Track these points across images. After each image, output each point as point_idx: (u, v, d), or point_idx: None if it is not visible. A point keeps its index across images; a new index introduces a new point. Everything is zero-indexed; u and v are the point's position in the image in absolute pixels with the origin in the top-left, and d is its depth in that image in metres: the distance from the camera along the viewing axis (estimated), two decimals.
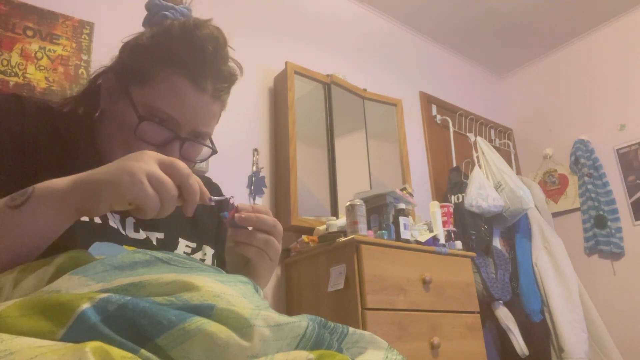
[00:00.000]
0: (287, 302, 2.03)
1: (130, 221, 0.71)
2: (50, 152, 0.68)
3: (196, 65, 0.70)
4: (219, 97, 0.74)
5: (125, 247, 0.64)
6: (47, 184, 0.54)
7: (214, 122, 0.76)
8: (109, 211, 0.53)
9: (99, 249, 0.60)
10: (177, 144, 0.71)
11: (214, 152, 0.79)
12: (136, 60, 0.72)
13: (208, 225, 0.83)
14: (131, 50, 0.73)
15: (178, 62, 0.69)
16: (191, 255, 0.76)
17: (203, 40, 0.70)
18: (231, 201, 0.65)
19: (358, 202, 1.84)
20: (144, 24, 0.77)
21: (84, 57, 1.80)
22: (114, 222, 0.67)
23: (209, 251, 0.79)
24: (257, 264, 0.70)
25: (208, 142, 0.78)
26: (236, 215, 0.63)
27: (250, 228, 0.65)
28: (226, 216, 0.64)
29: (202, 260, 0.77)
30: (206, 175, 0.91)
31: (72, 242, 0.59)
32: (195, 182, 0.57)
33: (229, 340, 0.36)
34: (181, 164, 0.55)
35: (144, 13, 0.79)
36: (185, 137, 0.71)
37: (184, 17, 0.75)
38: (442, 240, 2.11)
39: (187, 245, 0.76)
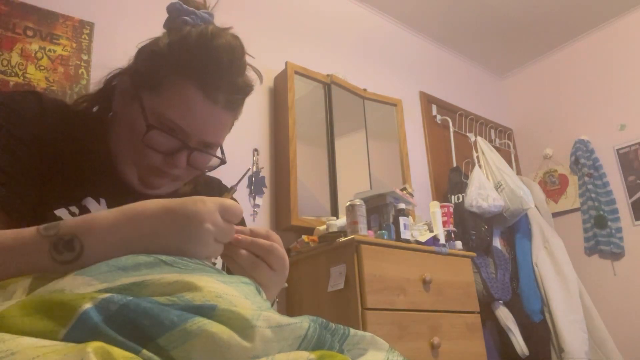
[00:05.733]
0: (287, 302, 2.03)
1: None
2: (66, 150, 0.69)
3: (209, 76, 0.69)
4: (232, 109, 0.73)
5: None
6: (95, 233, 0.50)
7: (224, 133, 0.76)
8: None
9: None
10: (184, 153, 0.71)
11: (223, 162, 0.78)
12: (150, 66, 0.71)
13: None
14: (146, 56, 0.72)
15: (191, 72, 0.68)
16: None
17: (218, 50, 0.69)
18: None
19: (358, 202, 1.84)
20: (164, 27, 0.75)
21: (84, 57, 1.80)
22: None
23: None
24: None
25: (218, 152, 0.77)
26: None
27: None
28: None
29: (214, 263, 0.77)
30: (208, 175, 0.91)
31: None
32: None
33: (230, 341, 0.36)
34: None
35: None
36: (194, 147, 0.71)
37: (204, 22, 0.74)
38: (442, 240, 2.11)
39: None
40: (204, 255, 0.53)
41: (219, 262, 0.78)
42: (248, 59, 0.75)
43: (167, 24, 0.75)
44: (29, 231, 0.51)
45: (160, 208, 0.52)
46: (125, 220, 0.52)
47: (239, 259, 0.62)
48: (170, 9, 0.74)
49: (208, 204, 0.53)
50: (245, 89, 0.75)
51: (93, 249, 0.50)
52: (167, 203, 0.53)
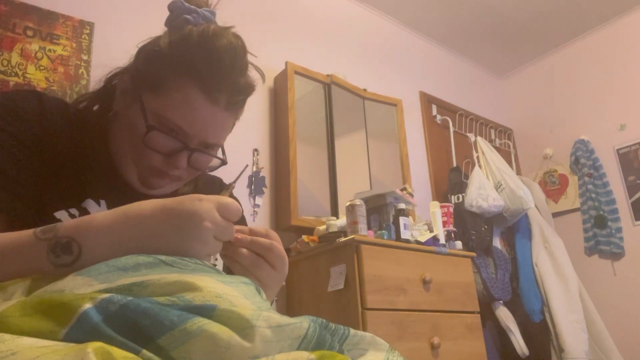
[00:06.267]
0: (287, 302, 2.03)
1: None
2: (66, 150, 0.68)
3: (211, 77, 0.68)
4: (233, 110, 0.73)
5: None
6: (93, 235, 0.50)
7: (225, 134, 0.75)
8: None
9: None
10: (185, 154, 0.70)
11: (224, 163, 0.77)
12: (151, 66, 0.70)
13: None
14: (147, 55, 0.72)
15: (192, 73, 0.68)
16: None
17: (220, 51, 0.68)
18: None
19: (358, 202, 1.84)
20: (165, 25, 0.74)
21: (84, 57, 1.80)
22: None
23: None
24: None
25: (219, 152, 0.76)
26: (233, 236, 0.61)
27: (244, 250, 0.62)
28: None
29: (214, 264, 0.76)
30: (209, 174, 0.91)
31: None
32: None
33: (230, 341, 0.36)
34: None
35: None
36: (194, 148, 0.70)
37: (206, 21, 0.72)
38: (442, 240, 2.11)
39: None
40: (204, 253, 0.53)
41: (220, 263, 0.78)
42: (250, 57, 0.74)
43: (169, 22, 0.74)
44: (26, 234, 0.51)
45: (157, 208, 0.52)
46: (123, 221, 0.51)
47: (240, 258, 0.61)
48: (172, 6, 0.73)
49: (205, 202, 0.53)
50: (247, 90, 0.74)
51: (91, 251, 0.50)
52: (164, 202, 0.53)
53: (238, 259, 0.61)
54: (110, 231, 0.51)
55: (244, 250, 0.61)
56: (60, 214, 0.65)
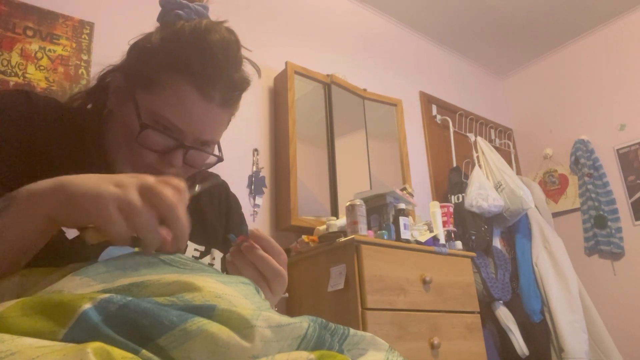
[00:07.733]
0: (287, 302, 2.03)
1: None
2: (59, 148, 0.67)
3: (204, 73, 0.67)
4: (228, 105, 0.71)
5: (137, 249, 0.63)
6: (30, 186, 0.51)
7: (221, 130, 0.74)
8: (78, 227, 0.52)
9: (112, 252, 0.59)
10: (180, 152, 0.69)
11: (220, 160, 0.76)
12: (143, 63, 0.69)
13: (217, 227, 0.81)
14: (139, 52, 0.70)
15: (185, 69, 0.66)
16: (200, 259, 0.74)
17: (213, 46, 0.67)
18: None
19: (358, 202, 1.84)
20: (157, 20, 0.73)
21: (84, 57, 1.80)
22: None
23: (217, 255, 0.77)
24: None
25: (215, 149, 0.75)
26: (244, 244, 0.62)
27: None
28: (234, 239, 0.64)
29: (211, 264, 0.75)
30: (206, 171, 0.90)
31: (87, 246, 0.58)
32: (184, 213, 0.52)
33: (230, 341, 0.36)
34: (168, 192, 0.51)
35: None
36: (190, 146, 0.69)
37: (198, 16, 0.71)
38: (442, 240, 2.11)
39: (195, 249, 0.75)
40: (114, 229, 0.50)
41: (217, 264, 0.78)
42: (246, 52, 0.73)
43: (160, 18, 0.72)
44: None
45: (92, 183, 0.51)
46: (55, 194, 0.51)
47: (245, 271, 0.62)
48: (164, 2, 0.71)
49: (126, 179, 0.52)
50: (242, 85, 0.72)
51: (21, 195, 0.50)
52: (99, 180, 0.51)
53: (242, 271, 0.62)
54: (39, 201, 0.50)
55: (250, 268, 0.62)
56: None
